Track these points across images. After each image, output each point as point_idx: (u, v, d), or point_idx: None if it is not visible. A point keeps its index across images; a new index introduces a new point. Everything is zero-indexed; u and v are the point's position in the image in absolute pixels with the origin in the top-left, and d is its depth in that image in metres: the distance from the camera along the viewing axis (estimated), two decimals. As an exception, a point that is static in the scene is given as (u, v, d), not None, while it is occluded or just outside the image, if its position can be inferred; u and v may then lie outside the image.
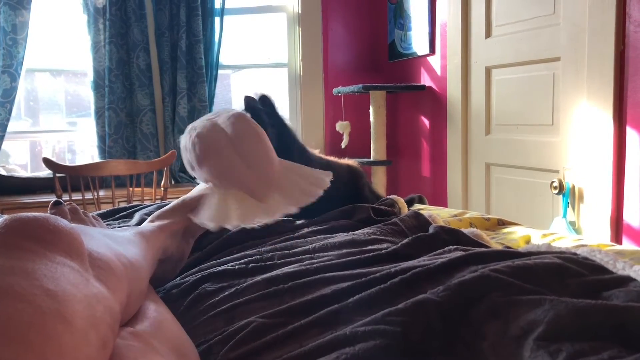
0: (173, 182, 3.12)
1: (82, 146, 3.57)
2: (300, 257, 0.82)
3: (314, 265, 0.75)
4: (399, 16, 3.06)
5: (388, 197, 1.26)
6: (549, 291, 0.60)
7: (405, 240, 0.84)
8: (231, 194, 0.85)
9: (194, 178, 0.94)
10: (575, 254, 0.75)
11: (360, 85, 2.84)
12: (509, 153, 2.36)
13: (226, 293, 0.72)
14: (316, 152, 1.22)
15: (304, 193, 0.83)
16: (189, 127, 0.93)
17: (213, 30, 3.13)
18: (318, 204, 1.10)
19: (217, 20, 3.14)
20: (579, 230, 1.98)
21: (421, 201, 1.43)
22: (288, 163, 0.89)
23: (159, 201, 2.23)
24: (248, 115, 0.92)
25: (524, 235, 1.07)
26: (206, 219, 0.83)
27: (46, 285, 0.39)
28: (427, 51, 2.82)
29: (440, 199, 2.79)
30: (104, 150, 3.05)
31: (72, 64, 3.31)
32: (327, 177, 0.84)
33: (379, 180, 2.95)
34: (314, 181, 0.84)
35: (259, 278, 0.73)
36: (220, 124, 0.90)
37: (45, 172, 2.94)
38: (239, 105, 3.57)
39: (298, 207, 0.80)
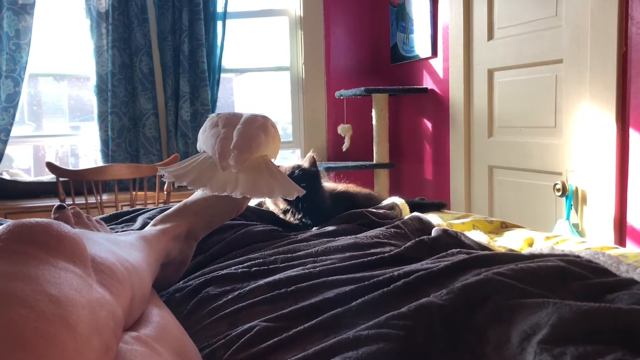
0: (176, 186, 3.12)
1: (85, 150, 3.58)
2: (303, 260, 0.82)
3: (317, 269, 0.75)
4: (401, 19, 3.06)
5: (388, 199, 1.26)
6: (552, 294, 0.60)
7: (409, 244, 0.84)
8: (207, 158, 0.86)
9: None
10: (578, 256, 0.75)
11: (362, 88, 2.84)
12: (511, 155, 2.36)
13: (229, 297, 0.72)
14: (340, 186, 1.26)
15: (259, 189, 0.82)
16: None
17: (215, 34, 3.14)
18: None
19: (219, 24, 3.15)
20: (582, 232, 1.97)
21: (441, 207, 1.42)
22: (272, 164, 0.88)
23: (161, 205, 2.23)
24: (271, 120, 0.93)
25: (527, 237, 1.07)
26: (170, 170, 0.85)
27: (49, 291, 0.39)
28: (429, 54, 2.82)
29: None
30: (107, 154, 3.05)
31: (75, 69, 3.32)
32: (295, 191, 0.84)
33: (381, 183, 2.94)
34: (279, 186, 0.84)
35: (262, 282, 0.73)
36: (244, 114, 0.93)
37: (49, 177, 2.94)
38: (240, 109, 3.57)
39: (242, 195, 0.80)
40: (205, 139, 0.88)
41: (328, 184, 1.26)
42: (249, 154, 0.83)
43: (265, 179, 0.84)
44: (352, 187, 1.27)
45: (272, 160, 0.93)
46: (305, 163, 1.14)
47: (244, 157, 0.82)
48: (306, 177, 1.11)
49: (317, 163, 1.17)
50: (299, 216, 1.12)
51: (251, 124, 0.89)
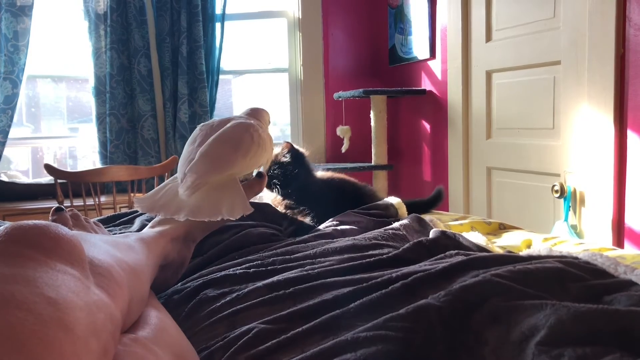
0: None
1: (84, 152, 3.58)
2: (302, 262, 0.82)
3: (315, 271, 0.75)
4: (399, 21, 3.07)
5: (384, 199, 1.26)
6: (550, 296, 0.60)
7: (407, 245, 0.84)
8: (175, 181, 0.84)
9: None
10: (576, 258, 0.75)
11: (360, 90, 2.85)
12: (510, 157, 2.36)
13: (227, 299, 0.72)
14: (327, 174, 1.26)
15: (202, 211, 0.78)
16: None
17: (214, 36, 3.14)
18: (326, 217, 1.13)
19: (217, 25, 3.15)
20: (580, 234, 1.98)
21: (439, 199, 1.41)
22: (234, 183, 0.83)
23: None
24: (259, 130, 0.89)
25: (525, 239, 1.07)
26: (140, 200, 0.83)
27: (47, 293, 0.39)
28: (427, 55, 2.82)
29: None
30: (105, 156, 3.05)
31: (73, 70, 3.32)
32: (242, 211, 0.79)
33: (380, 185, 2.95)
34: (228, 207, 0.79)
35: (260, 284, 0.73)
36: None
37: (47, 178, 2.94)
38: (239, 110, 3.58)
39: (185, 218, 0.77)
40: (181, 157, 0.85)
41: (322, 173, 1.27)
42: (203, 179, 0.79)
43: (214, 200, 0.80)
44: (346, 178, 1.28)
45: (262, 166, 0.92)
46: (283, 151, 1.15)
47: (195, 184, 0.78)
48: (294, 159, 1.14)
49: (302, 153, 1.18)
50: (289, 202, 1.14)
51: (220, 141, 0.83)
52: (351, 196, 1.23)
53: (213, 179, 0.80)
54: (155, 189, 0.86)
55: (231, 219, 0.79)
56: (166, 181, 0.87)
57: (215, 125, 0.89)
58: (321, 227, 1.09)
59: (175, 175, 0.87)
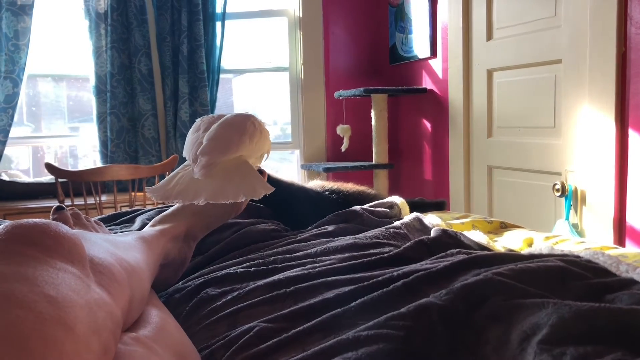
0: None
1: (84, 151, 3.58)
2: (303, 261, 0.82)
3: (317, 269, 0.75)
4: (399, 19, 3.06)
5: (387, 198, 1.26)
6: (552, 294, 0.60)
7: (408, 244, 0.84)
8: (186, 169, 0.86)
9: None
10: (578, 256, 0.75)
11: (361, 89, 2.84)
12: (511, 156, 2.36)
13: (228, 297, 0.72)
14: (328, 185, 1.26)
15: (224, 193, 0.80)
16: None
17: (214, 35, 3.14)
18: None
19: (218, 24, 3.14)
20: (581, 232, 1.97)
21: (440, 207, 1.41)
22: (246, 165, 0.86)
23: (160, 205, 2.23)
24: (255, 118, 0.93)
25: (527, 238, 1.07)
26: (153, 189, 0.86)
27: (47, 292, 0.39)
28: (428, 54, 2.82)
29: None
30: (105, 155, 3.05)
31: (74, 69, 3.32)
32: (263, 190, 0.83)
33: (381, 184, 2.94)
34: (247, 187, 0.82)
35: (261, 282, 0.73)
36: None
37: (48, 177, 2.94)
38: (239, 109, 3.56)
39: (206, 202, 0.79)
40: (185, 146, 0.89)
41: (317, 182, 1.26)
42: (215, 159, 0.82)
43: (234, 182, 0.82)
44: (343, 186, 1.27)
45: (265, 156, 0.95)
46: None
47: (209, 163, 0.81)
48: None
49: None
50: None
51: (226, 125, 0.88)
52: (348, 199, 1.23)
53: (224, 160, 0.83)
54: (167, 177, 0.87)
55: (255, 198, 0.82)
56: (176, 170, 0.88)
57: (215, 117, 0.93)
58: (320, 222, 1.09)
59: (185, 164, 0.88)
